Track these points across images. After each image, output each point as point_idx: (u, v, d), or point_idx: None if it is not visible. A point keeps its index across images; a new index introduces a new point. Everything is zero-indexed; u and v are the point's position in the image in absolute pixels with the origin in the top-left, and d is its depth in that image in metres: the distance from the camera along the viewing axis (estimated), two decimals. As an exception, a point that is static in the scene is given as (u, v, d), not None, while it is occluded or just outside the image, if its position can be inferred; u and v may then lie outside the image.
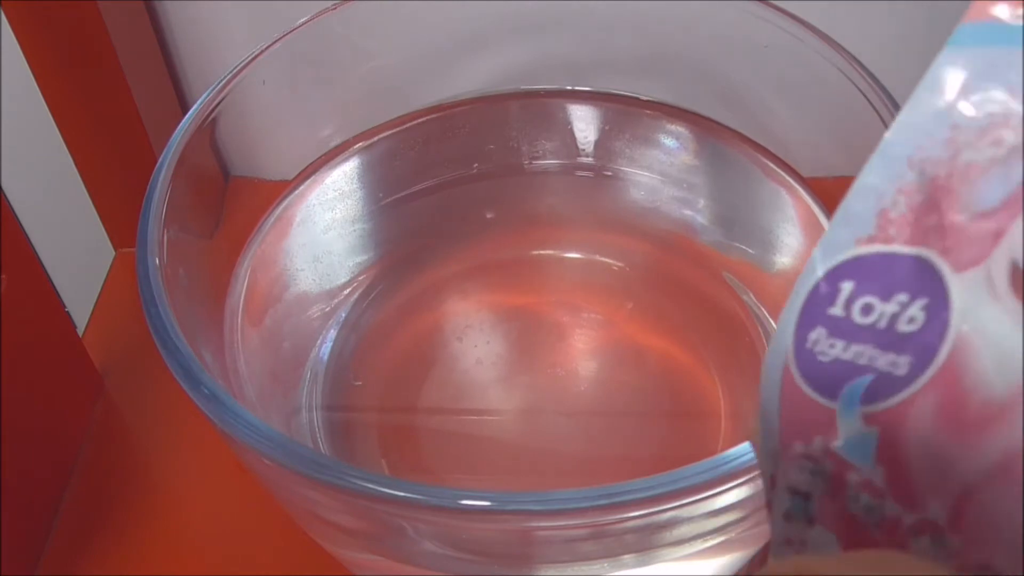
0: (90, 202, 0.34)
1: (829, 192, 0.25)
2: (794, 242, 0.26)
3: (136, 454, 0.30)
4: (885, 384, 0.12)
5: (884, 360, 0.12)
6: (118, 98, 0.31)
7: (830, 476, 0.13)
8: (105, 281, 0.34)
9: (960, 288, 0.11)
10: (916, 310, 0.12)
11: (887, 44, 0.32)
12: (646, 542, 0.18)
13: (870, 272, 0.12)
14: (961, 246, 0.11)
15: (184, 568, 0.27)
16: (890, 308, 0.12)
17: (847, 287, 0.12)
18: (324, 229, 0.27)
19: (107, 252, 0.35)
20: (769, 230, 0.27)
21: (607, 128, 0.29)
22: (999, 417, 0.11)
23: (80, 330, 0.32)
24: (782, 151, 0.26)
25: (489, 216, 0.29)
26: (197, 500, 0.28)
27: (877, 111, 0.22)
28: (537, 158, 0.29)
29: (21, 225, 0.27)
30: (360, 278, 0.28)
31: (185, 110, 0.28)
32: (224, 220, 0.25)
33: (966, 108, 0.12)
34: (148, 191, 0.21)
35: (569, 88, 0.29)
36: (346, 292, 0.27)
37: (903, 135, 0.12)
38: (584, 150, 0.29)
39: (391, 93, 0.28)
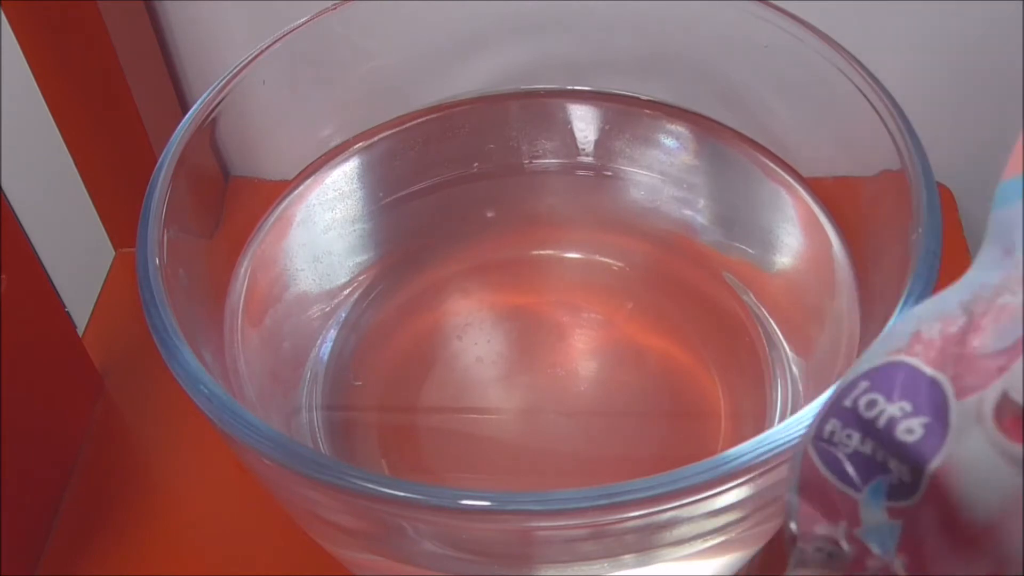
0: (90, 202, 0.34)
1: (829, 192, 0.25)
2: (794, 242, 0.26)
3: (136, 454, 0.30)
4: (898, 486, 0.13)
5: (893, 463, 0.13)
6: (118, 98, 0.31)
7: (848, 559, 0.13)
8: (105, 281, 0.34)
9: (957, 413, 0.12)
10: (916, 424, 0.13)
11: (887, 44, 0.32)
12: (646, 542, 0.18)
13: (885, 375, 0.13)
14: (967, 375, 0.12)
15: (184, 568, 0.27)
16: (891, 409, 0.13)
17: (863, 385, 0.13)
18: (324, 229, 0.27)
19: (107, 252, 0.35)
20: (769, 230, 0.27)
21: (607, 128, 0.29)
22: (982, 538, 0.12)
23: (80, 330, 0.32)
24: (782, 151, 0.26)
25: (489, 216, 0.29)
26: (197, 500, 0.28)
27: (877, 111, 0.22)
28: (537, 158, 0.29)
29: (21, 225, 0.27)
30: (360, 278, 0.28)
31: (185, 110, 0.28)
32: (224, 220, 0.25)
33: (1019, 256, 0.13)
34: (148, 191, 0.21)
35: (569, 88, 0.29)
36: (346, 292, 0.27)
37: (964, 286, 0.13)
38: (584, 150, 0.29)
39: (391, 93, 0.28)
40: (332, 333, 0.27)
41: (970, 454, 0.12)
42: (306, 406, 0.25)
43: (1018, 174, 0.13)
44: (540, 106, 0.29)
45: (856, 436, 0.13)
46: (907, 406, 0.13)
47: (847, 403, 0.13)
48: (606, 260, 0.29)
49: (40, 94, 0.31)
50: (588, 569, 0.19)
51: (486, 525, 0.17)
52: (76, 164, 0.33)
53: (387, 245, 0.28)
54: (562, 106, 0.29)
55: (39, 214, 0.39)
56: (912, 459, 0.12)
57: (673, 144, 0.28)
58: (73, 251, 0.39)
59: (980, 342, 0.12)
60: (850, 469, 0.13)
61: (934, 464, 0.12)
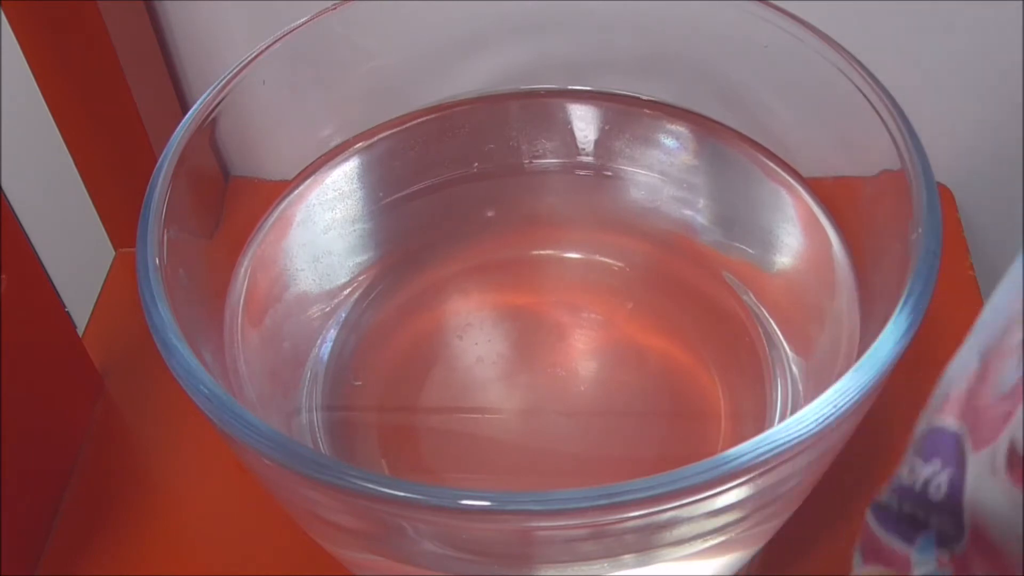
0: (90, 202, 0.34)
1: (829, 192, 0.25)
2: (794, 242, 0.26)
3: (136, 454, 0.30)
4: (944, 537, 0.13)
5: (933, 519, 0.13)
6: (118, 98, 0.31)
7: None
8: (105, 281, 0.34)
9: (974, 464, 0.13)
10: (943, 479, 0.13)
11: (887, 44, 0.32)
12: (646, 542, 0.18)
13: (923, 441, 0.14)
14: (982, 426, 0.13)
15: (184, 568, 0.27)
16: (925, 471, 0.13)
17: (910, 454, 0.14)
18: (324, 229, 0.27)
19: (107, 252, 0.35)
20: (769, 230, 0.27)
21: (607, 128, 0.29)
22: None
23: (80, 330, 0.32)
24: (782, 151, 0.26)
25: (489, 216, 0.29)
26: (197, 500, 0.28)
27: (877, 111, 0.22)
28: (537, 158, 0.29)
29: (21, 225, 0.27)
30: (360, 278, 0.28)
31: (185, 110, 0.28)
32: (224, 220, 0.25)
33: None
34: (148, 191, 0.21)
35: (569, 88, 0.29)
36: (346, 292, 0.27)
37: (980, 327, 0.14)
38: (584, 150, 0.29)
39: (391, 93, 0.28)
40: (332, 333, 0.27)
41: (993, 505, 0.12)
42: (306, 406, 0.25)
43: None
44: (540, 106, 0.29)
45: (897, 499, 0.14)
46: (937, 464, 0.13)
47: (899, 472, 0.14)
48: (606, 260, 0.29)
49: (40, 94, 0.31)
50: (588, 569, 0.19)
51: (486, 525, 0.17)
52: (76, 164, 0.33)
53: (387, 245, 0.28)
54: (562, 106, 0.29)
55: (39, 214, 0.39)
56: (947, 512, 0.13)
57: (673, 144, 0.28)
58: (73, 251, 0.39)
59: (989, 388, 0.13)
60: (900, 529, 0.14)
61: (966, 514, 0.13)
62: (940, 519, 0.13)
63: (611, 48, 0.28)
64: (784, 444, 0.16)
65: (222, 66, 0.24)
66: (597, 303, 0.28)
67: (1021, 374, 0.12)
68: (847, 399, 0.17)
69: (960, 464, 0.13)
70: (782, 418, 0.24)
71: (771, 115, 0.26)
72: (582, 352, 0.27)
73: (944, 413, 0.13)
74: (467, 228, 0.29)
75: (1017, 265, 0.13)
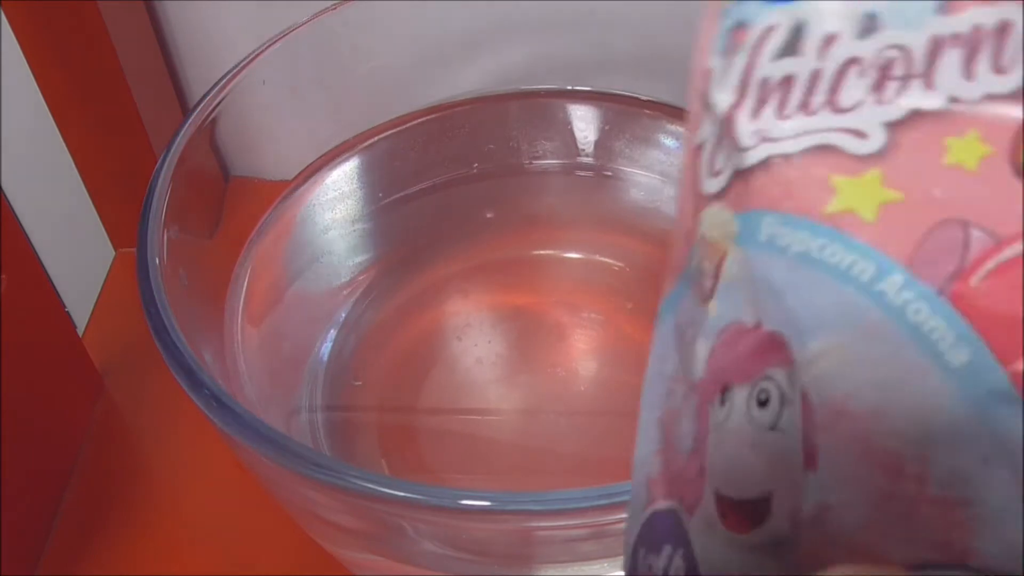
0: (90, 202, 0.34)
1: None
2: (794, 242, 0.26)
3: (136, 454, 0.30)
4: None
5: None
6: (118, 98, 0.31)
7: None
8: (105, 281, 0.34)
9: (695, 531, 0.12)
10: (679, 560, 0.12)
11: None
12: (646, 542, 0.18)
13: (648, 533, 0.13)
14: (686, 491, 0.12)
15: (184, 568, 0.27)
16: (659, 562, 0.13)
17: (641, 552, 0.13)
18: (324, 229, 0.27)
19: (107, 252, 0.35)
20: (769, 230, 0.27)
21: (607, 128, 0.29)
22: None
23: (80, 330, 0.32)
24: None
25: (489, 216, 0.29)
26: (197, 500, 0.28)
27: (877, 111, 0.22)
28: (537, 158, 0.29)
29: (21, 225, 0.27)
30: (360, 278, 0.28)
31: (185, 110, 0.28)
32: (224, 220, 0.25)
33: (674, 357, 0.13)
34: (148, 191, 0.21)
35: (569, 88, 0.29)
36: (346, 292, 0.27)
37: (647, 398, 0.13)
38: (584, 150, 0.29)
39: (391, 93, 0.28)
40: (332, 333, 0.27)
41: (725, 564, 0.12)
42: (306, 406, 0.25)
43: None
44: (540, 106, 0.29)
45: None
46: (668, 548, 0.13)
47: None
48: (606, 260, 0.29)
49: (40, 94, 0.31)
50: (588, 569, 0.19)
51: (486, 525, 0.17)
52: (76, 164, 0.33)
53: (387, 245, 0.28)
54: (562, 106, 0.29)
55: (39, 214, 0.39)
56: None
57: (673, 144, 0.28)
58: (73, 251, 0.39)
59: (676, 453, 0.12)
60: None
61: None
62: None
63: (611, 48, 0.28)
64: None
65: (222, 66, 0.24)
66: (597, 303, 0.28)
67: (696, 427, 0.12)
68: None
69: (685, 540, 0.12)
70: (782, 418, 0.24)
71: (771, 115, 0.26)
72: (582, 352, 0.27)
73: (653, 501, 0.13)
74: (467, 228, 0.29)
75: (661, 330, 0.13)
